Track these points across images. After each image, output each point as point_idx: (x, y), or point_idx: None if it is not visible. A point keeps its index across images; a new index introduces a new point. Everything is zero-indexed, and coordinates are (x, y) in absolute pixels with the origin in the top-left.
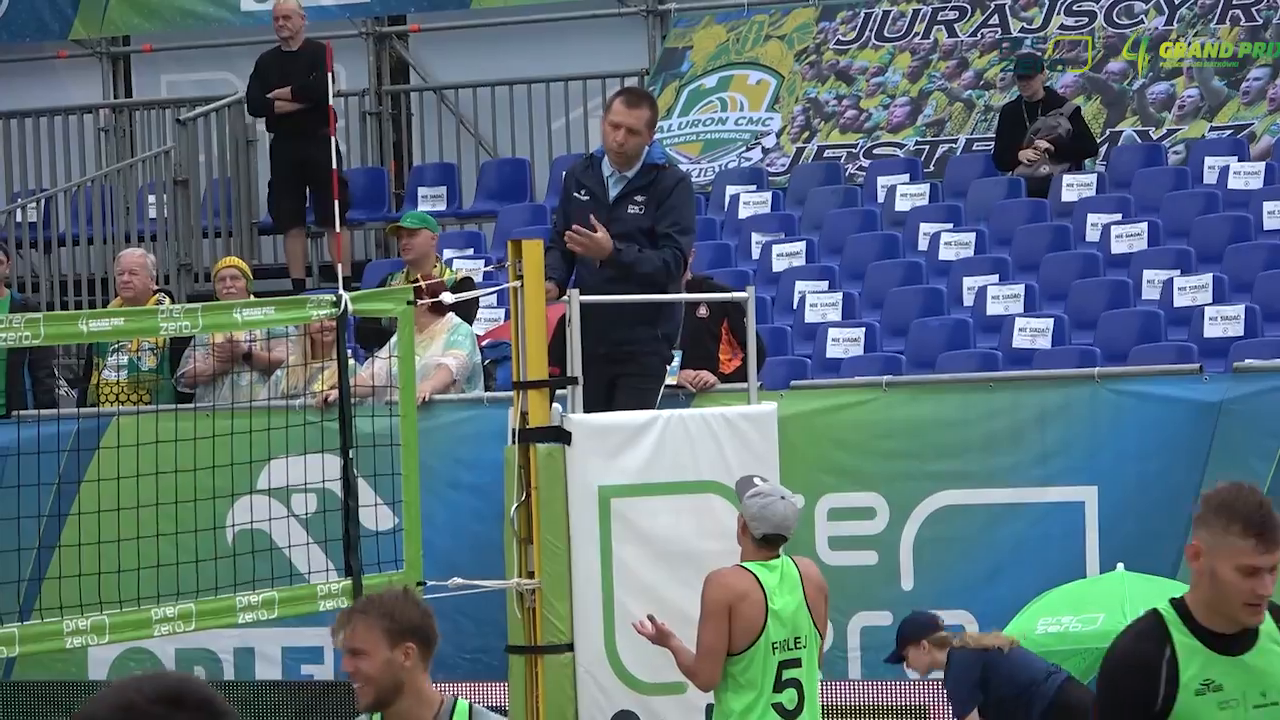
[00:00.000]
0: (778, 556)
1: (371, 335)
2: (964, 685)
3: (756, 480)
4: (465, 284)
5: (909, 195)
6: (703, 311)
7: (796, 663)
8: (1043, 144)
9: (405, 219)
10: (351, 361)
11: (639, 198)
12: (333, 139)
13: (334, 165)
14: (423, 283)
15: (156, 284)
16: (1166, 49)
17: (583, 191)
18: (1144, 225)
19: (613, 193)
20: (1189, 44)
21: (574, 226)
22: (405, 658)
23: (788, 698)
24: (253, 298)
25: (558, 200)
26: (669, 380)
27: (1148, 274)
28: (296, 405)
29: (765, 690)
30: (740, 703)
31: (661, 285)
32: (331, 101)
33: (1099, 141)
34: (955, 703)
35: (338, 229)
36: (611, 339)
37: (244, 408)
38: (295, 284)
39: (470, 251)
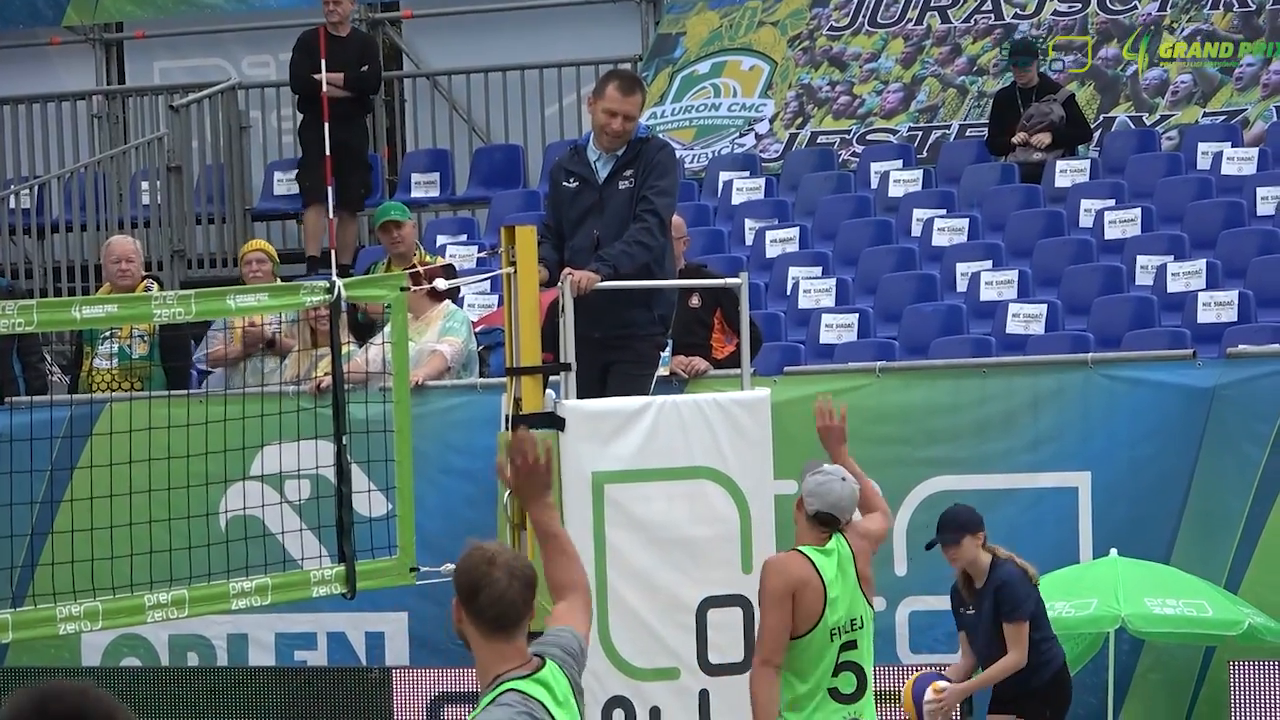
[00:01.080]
0: (831, 540)
1: (358, 329)
2: (1023, 591)
3: (824, 466)
4: (447, 271)
5: (902, 181)
6: (695, 301)
7: (853, 644)
8: (1043, 137)
9: (392, 211)
10: (348, 347)
11: (627, 172)
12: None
13: (325, 151)
14: (420, 269)
15: (145, 270)
16: (1166, 50)
17: (571, 180)
18: (1137, 211)
19: (602, 174)
20: (1183, 35)
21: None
22: None
23: (844, 681)
24: (280, 282)
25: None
26: (662, 370)
27: (1141, 260)
28: (289, 391)
29: (823, 676)
30: (794, 691)
31: (656, 261)
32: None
33: (1093, 127)
34: (1016, 605)
35: (330, 214)
36: (606, 322)
37: (236, 394)
38: (310, 262)
39: (464, 238)
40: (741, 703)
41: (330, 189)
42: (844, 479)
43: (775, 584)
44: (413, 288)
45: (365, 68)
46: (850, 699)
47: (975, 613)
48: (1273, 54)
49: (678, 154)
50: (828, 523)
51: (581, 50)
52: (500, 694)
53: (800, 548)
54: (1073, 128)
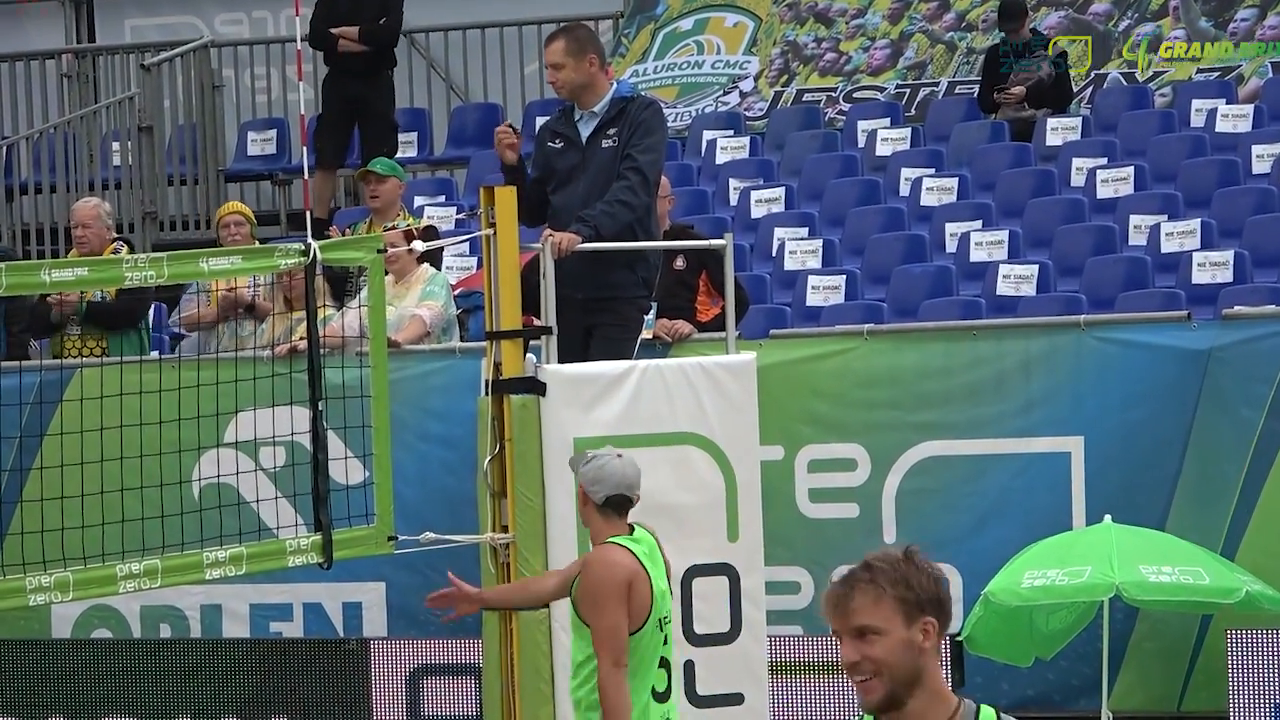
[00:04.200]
0: (631, 528)
1: (337, 284)
2: None
3: (590, 451)
4: (429, 233)
5: (890, 140)
6: (680, 263)
7: (666, 639)
8: (1017, 91)
9: (375, 164)
10: (325, 311)
11: (611, 131)
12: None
13: (300, 111)
14: (411, 227)
15: (116, 233)
16: (1167, 49)
17: (556, 140)
18: (1130, 170)
19: (585, 132)
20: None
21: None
22: (924, 637)
23: (659, 679)
24: (258, 245)
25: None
26: (645, 334)
27: (1134, 219)
28: (264, 356)
29: (649, 674)
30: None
31: (639, 222)
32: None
33: (1084, 84)
34: None
35: (305, 176)
36: (588, 285)
37: (210, 359)
38: (317, 224)
39: (442, 199)
40: (730, 673)
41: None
42: (619, 455)
43: (610, 581)
44: (390, 249)
45: (382, 19)
46: (664, 697)
47: None
48: (1269, 8)
49: None
50: (621, 506)
51: (562, 7)
52: None
53: (614, 540)
54: (1058, 87)
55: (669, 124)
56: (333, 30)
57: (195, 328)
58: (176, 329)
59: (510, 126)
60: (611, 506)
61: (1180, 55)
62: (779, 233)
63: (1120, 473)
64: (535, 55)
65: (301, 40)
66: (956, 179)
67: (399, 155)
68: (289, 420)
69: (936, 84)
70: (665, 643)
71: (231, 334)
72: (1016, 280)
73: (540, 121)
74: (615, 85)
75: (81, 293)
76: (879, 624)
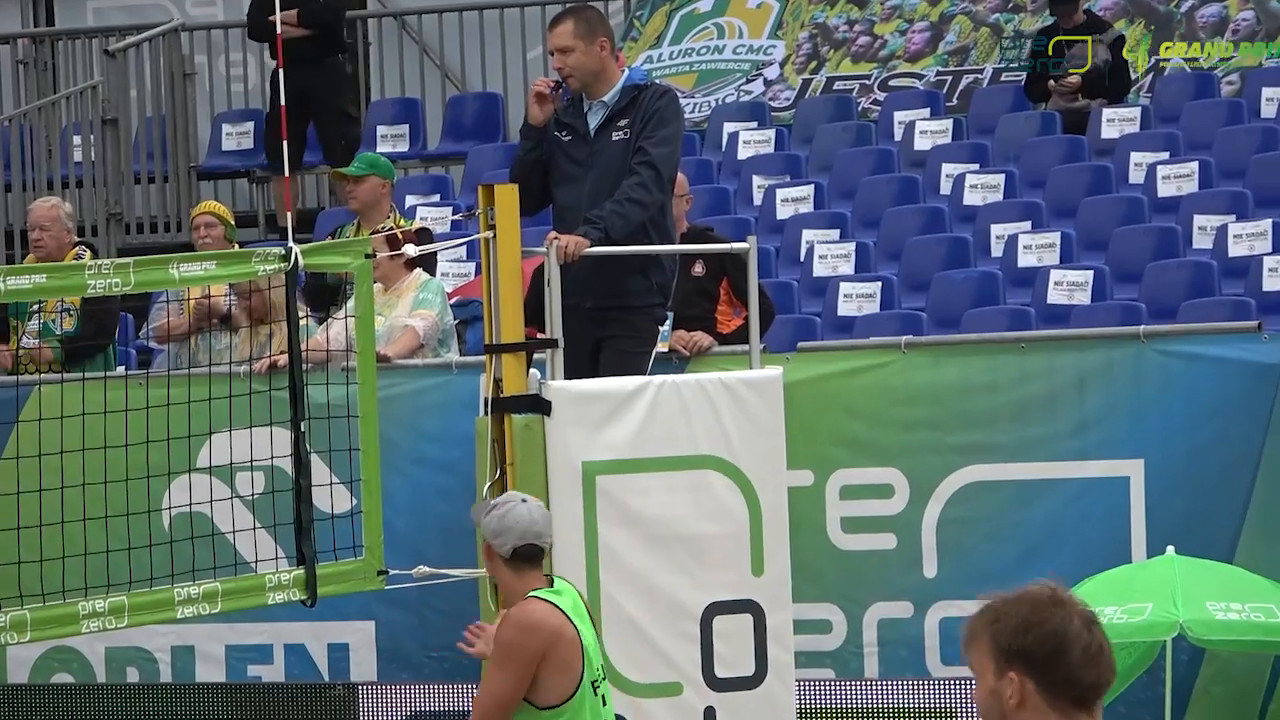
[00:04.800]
0: (550, 579)
1: (321, 295)
2: None
3: (493, 500)
4: (423, 236)
5: (929, 132)
6: (698, 269)
7: (605, 702)
8: (1072, 80)
9: (359, 161)
10: (308, 323)
11: (622, 122)
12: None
13: (281, 101)
14: (397, 230)
15: (77, 236)
16: (1234, 31)
17: (564, 132)
18: (1194, 165)
19: (593, 124)
20: None
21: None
22: (1010, 691)
23: None
24: (239, 248)
25: None
26: (660, 346)
27: (1199, 220)
28: (240, 372)
29: None
30: None
31: (653, 222)
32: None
33: (1144, 71)
34: None
35: (285, 173)
36: (597, 293)
37: (181, 375)
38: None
39: (436, 198)
40: None
41: (285, 144)
42: (524, 499)
43: (528, 643)
44: (379, 254)
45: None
46: None
47: None
48: None
49: None
50: (533, 556)
51: None
52: None
53: (535, 595)
54: (1115, 76)
55: (686, 115)
56: (271, 18)
57: (167, 340)
58: (148, 342)
59: (555, 83)
60: (521, 558)
61: (1250, 39)
62: (807, 235)
63: (1184, 500)
64: (539, 39)
65: (281, 24)
66: (1003, 176)
67: (390, 150)
68: (268, 443)
69: (981, 71)
70: (605, 704)
71: (206, 347)
72: (1069, 287)
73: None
74: (627, 72)
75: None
76: (975, 668)
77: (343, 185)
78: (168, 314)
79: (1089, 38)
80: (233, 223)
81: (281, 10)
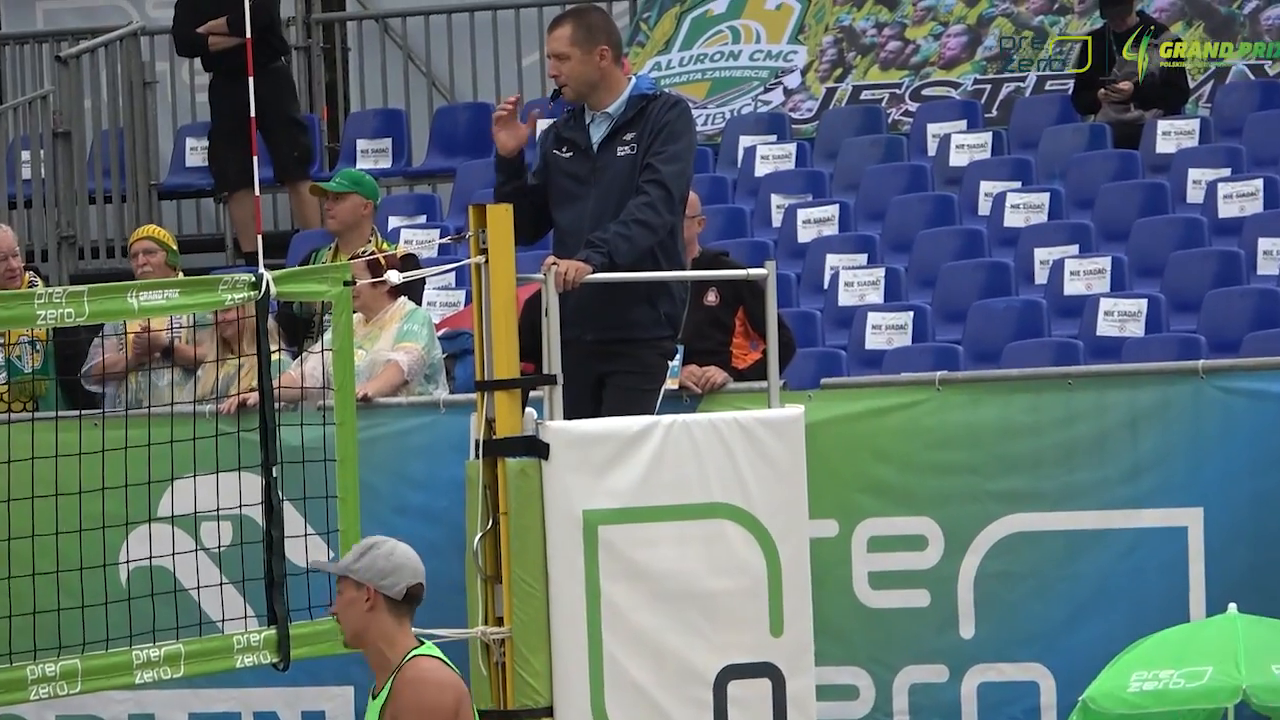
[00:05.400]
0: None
1: (293, 327)
2: None
3: (362, 544)
4: (407, 262)
5: (966, 147)
6: (712, 298)
7: None
8: (1124, 87)
9: (338, 178)
10: (281, 356)
11: (627, 136)
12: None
13: (251, 113)
14: (380, 255)
15: (26, 261)
16: None
17: (564, 147)
18: (1258, 183)
19: (595, 137)
20: None
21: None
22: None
23: None
24: (182, 275)
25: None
26: (669, 383)
27: (1264, 243)
28: (206, 412)
29: None
30: None
31: (662, 246)
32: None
33: (1202, 79)
34: None
35: (257, 191)
36: (600, 323)
37: (140, 415)
38: (249, 259)
39: (422, 219)
40: None
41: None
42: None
43: (446, 702)
44: (359, 281)
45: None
46: None
47: None
48: None
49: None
50: (418, 598)
51: None
52: None
53: (422, 653)
54: (1169, 85)
55: (698, 128)
56: (199, 30)
57: (103, 379)
58: (84, 382)
59: (511, 103)
60: (412, 598)
61: None
62: (832, 260)
63: (1247, 552)
64: (536, 44)
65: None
66: (1047, 194)
67: (371, 166)
68: (236, 489)
69: (1023, 79)
70: None
71: (148, 385)
72: (1121, 318)
73: (542, 126)
74: (633, 81)
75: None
76: None
77: (321, 203)
78: (113, 349)
79: (1143, 42)
80: (175, 248)
81: (210, 20)
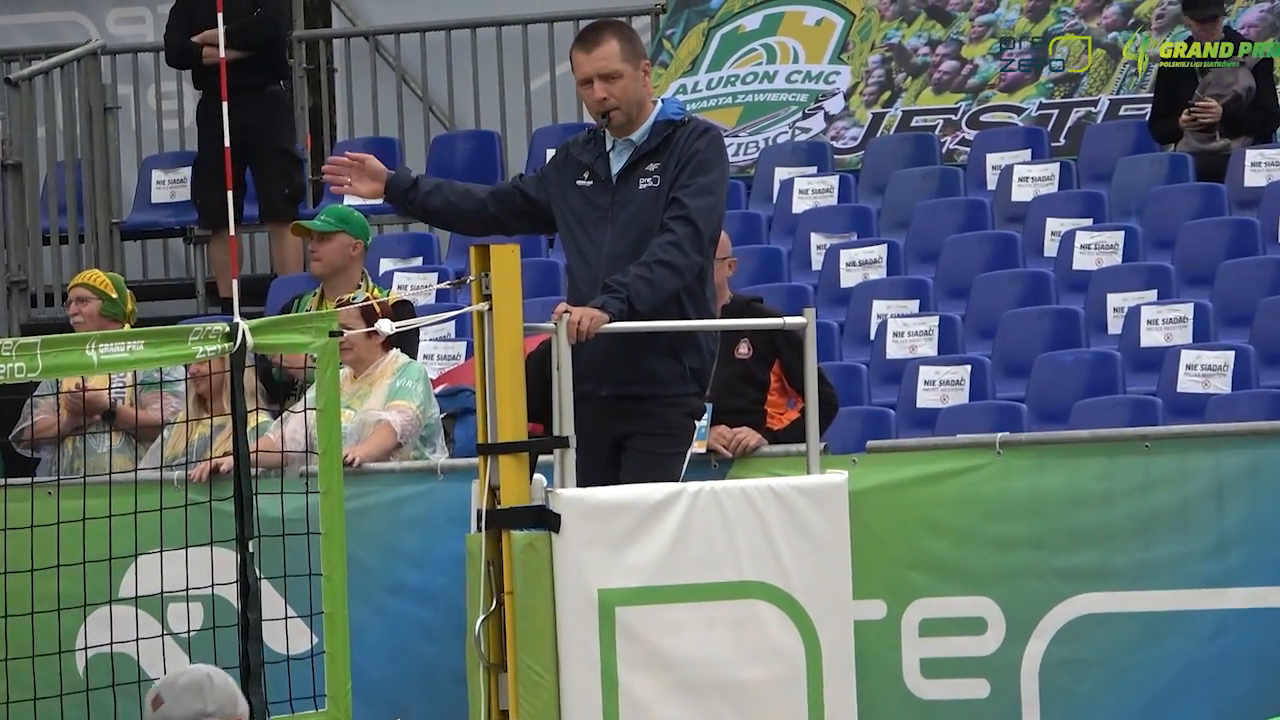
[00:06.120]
0: None
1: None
2: None
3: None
4: (402, 309)
5: (1030, 179)
6: (744, 350)
7: None
8: (1211, 107)
9: (324, 215)
10: (263, 418)
11: (651, 166)
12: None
13: (225, 143)
14: (372, 302)
15: None
16: None
17: (584, 174)
18: None
19: (615, 167)
20: None
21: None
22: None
23: None
24: (129, 328)
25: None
26: (696, 446)
27: None
28: (175, 479)
29: None
30: None
31: (689, 292)
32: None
33: None
34: None
35: (232, 230)
36: (618, 378)
37: (100, 481)
38: (225, 305)
39: (418, 261)
40: None
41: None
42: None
43: None
44: (349, 331)
45: (256, 12)
46: None
47: None
48: None
49: None
50: None
51: (579, 0)
52: None
53: None
54: (1261, 109)
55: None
56: (194, 39)
57: (33, 444)
58: (16, 446)
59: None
60: None
61: None
62: (879, 307)
63: None
64: (545, 64)
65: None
66: (1122, 233)
67: (359, 203)
68: (208, 567)
69: (1094, 103)
70: None
71: (84, 451)
72: (1205, 372)
73: (550, 154)
74: (659, 105)
75: None
76: None
77: (305, 243)
78: (32, 414)
79: (1231, 61)
80: (114, 295)
81: (209, 28)
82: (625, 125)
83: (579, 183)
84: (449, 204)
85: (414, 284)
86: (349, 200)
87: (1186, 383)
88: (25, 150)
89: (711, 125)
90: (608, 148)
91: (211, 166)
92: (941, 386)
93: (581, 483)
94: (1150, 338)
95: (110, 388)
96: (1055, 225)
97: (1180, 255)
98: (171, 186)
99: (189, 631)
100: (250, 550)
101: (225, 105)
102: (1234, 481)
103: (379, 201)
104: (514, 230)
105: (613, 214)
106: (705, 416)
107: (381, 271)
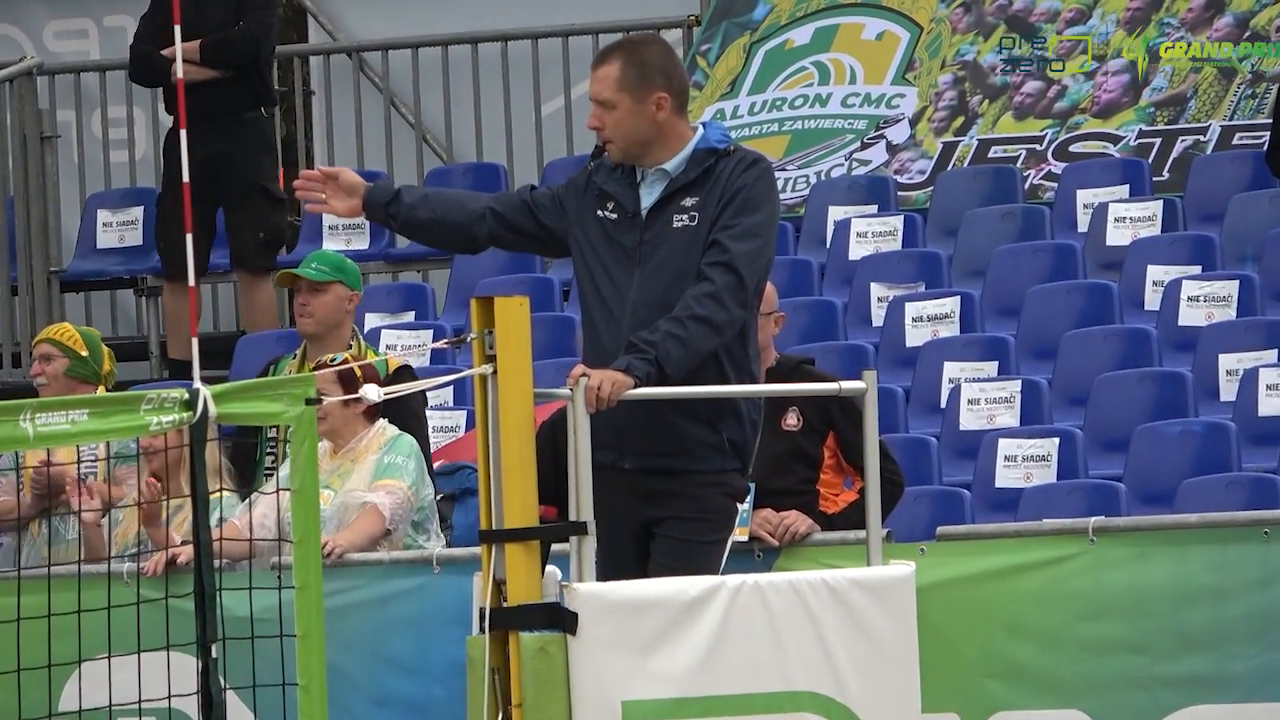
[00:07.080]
0: None
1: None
2: None
3: None
4: (402, 374)
5: (1129, 220)
6: (792, 421)
7: None
8: None
9: (306, 263)
10: (226, 498)
11: (689, 201)
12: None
13: (185, 177)
14: (353, 365)
15: None
16: None
17: (610, 207)
18: None
19: (646, 201)
20: None
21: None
22: None
23: None
24: (103, 392)
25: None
26: (738, 533)
27: None
28: (124, 573)
29: None
30: None
31: (728, 351)
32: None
33: None
34: None
35: (191, 280)
36: (644, 448)
37: (36, 577)
38: (175, 367)
39: (409, 316)
40: None
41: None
42: None
43: None
44: (329, 399)
45: (238, 24)
46: None
47: None
48: None
49: None
50: None
51: (599, 12)
52: None
53: None
54: None
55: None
56: (164, 51)
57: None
58: None
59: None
60: None
61: None
62: (951, 370)
63: None
64: (559, 85)
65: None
66: (1236, 283)
67: (342, 247)
68: (163, 675)
69: (1204, 131)
70: None
71: (52, 539)
72: None
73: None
74: (700, 131)
75: None
76: None
77: (291, 295)
78: (10, 489)
79: None
80: (84, 354)
81: (188, 40)
82: (633, 159)
83: (600, 214)
84: (438, 218)
85: (404, 343)
86: (329, 245)
87: None
88: None
89: (761, 156)
90: (638, 178)
91: (179, 205)
92: (1025, 463)
93: (602, 576)
94: (1269, 405)
95: (80, 461)
96: (1158, 274)
97: None
98: (120, 229)
99: None
100: (214, 656)
101: (184, 132)
102: None
103: (359, 219)
104: (517, 249)
105: (641, 255)
106: (748, 499)
107: (367, 328)
